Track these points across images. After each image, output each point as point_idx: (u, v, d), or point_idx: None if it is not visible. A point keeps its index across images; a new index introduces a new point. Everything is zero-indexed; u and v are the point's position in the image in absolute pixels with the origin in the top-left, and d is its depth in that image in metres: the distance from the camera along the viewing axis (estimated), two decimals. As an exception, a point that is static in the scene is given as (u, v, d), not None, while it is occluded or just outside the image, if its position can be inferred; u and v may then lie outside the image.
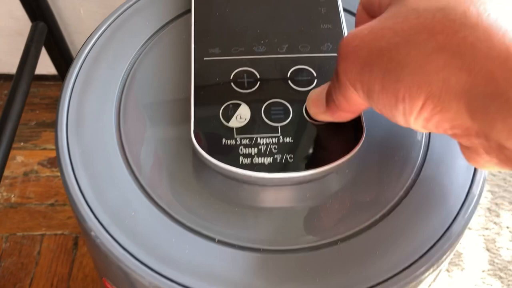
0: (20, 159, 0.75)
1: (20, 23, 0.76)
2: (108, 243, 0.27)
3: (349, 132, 0.29)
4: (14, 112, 0.63)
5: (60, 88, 0.32)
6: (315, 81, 0.30)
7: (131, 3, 0.36)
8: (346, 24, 0.33)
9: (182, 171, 0.29)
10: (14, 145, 0.76)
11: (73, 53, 0.78)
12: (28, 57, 0.64)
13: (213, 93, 0.30)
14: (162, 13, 0.35)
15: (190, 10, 0.34)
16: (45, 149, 0.77)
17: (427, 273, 0.27)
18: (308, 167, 0.27)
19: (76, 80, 0.32)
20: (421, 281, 0.27)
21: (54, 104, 0.83)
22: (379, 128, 0.30)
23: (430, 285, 0.31)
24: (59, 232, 0.68)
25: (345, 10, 0.35)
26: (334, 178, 0.29)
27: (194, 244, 0.27)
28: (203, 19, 0.33)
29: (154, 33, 0.35)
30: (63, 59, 0.74)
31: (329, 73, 0.31)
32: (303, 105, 0.29)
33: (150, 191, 0.28)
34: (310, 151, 0.28)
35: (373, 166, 0.30)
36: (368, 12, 0.26)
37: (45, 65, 0.82)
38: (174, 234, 0.27)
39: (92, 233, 0.27)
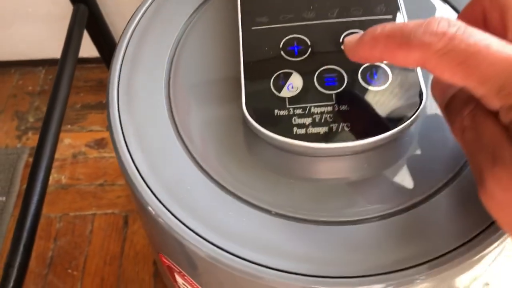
0: (68, 142, 0.77)
1: (60, 8, 0.77)
2: (166, 217, 0.26)
3: (408, 97, 0.27)
4: (61, 96, 0.64)
5: (109, 68, 0.32)
6: (369, 45, 0.29)
7: (174, -25, 0.35)
8: (399, -16, 0.31)
9: (235, 144, 0.29)
10: (61, 128, 0.78)
11: (114, 35, 0.79)
12: (71, 41, 0.64)
13: (263, 63, 0.29)
14: (206, -16, 0.35)
15: (234, -20, 0.33)
16: (91, 131, 0.78)
17: (496, 244, 0.26)
18: (366, 135, 0.26)
19: (124, 59, 0.32)
20: (489, 252, 0.26)
21: (97, 87, 0.84)
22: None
23: (494, 259, 0.30)
24: (109, 211, 0.69)
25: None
26: (393, 146, 0.28)
27: (250, 216, 0.27)
28: (249, -13, 0.32)
29: (199, 6, 0.34)
30: (105, 41, 0.75)
31: (384, 37, 0.29)
32: (358, 71, 0.28)
33: (204, 165, 0.28)
34: (367, 118, 0.27)
35: (435, 132, 0.28)
36: (476, 23, 0.23)
37: (86, 48, 0.83)
38: (230, 207, 0.27)
39: (149, 208, 0.27)
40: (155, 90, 0.31)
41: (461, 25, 0.20)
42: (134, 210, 0.68)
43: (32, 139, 0.78)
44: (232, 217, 0.26)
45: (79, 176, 0.73)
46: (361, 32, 0.24)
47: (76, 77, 0.84)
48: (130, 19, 0.34)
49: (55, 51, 0.75)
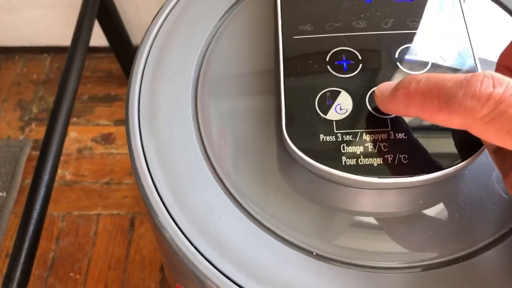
0: (74, 135, 0.73)
1: (70, -6, 0.73)
2: (192, 256, 0.23)
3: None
4: (70, 89, 0.60)
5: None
6: (429, 63, 0.25)
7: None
8: (462, -7, 0.27)
9: (272, 172, 0.25)
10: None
11: (126, 24, 0.74)
12: (82, 30, 0.60)
13: (306, 78, 0.25)
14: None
15: (272, -22, 0.29)
16: (98, 124, 0.74)
17: None
18: (426, 170, 0.23)
19: (147, 64, 0.28)
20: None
21: (106, 78, 0.80)
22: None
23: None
24: (115, 212, 0.66)
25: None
26: (453, 182, 0.25)
27: (289, 257, 0.23)
28: (291, -11, 0.28)
29: (230, 7, 0.30)
30: (116, 31, 0.71)
31: (445, 54, 0.26)
32: (416, 93, 0.24)
33: (236, 194, 0.25)
34: (428, 149, 0.23)
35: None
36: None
37: (95, 37, 0.79)
38: (266, 245, 0.23)
39: (174, 244, 0.23)
40: (181, 102, 0.27)
41: (509, 83, 0.17)
42: (141, 212, 0.65)
43: (36, 131, 0.74)
44: (268, 258, 0.23)
45: (85, 172, 0.70)
46: (393, 82, 0.21)
47: (84, 67, 0.80)
48: (154, 16, 0.30)
49: (62, 38, 0.71)
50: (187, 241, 0.23)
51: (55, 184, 0.68)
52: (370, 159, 0.23)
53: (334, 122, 0.24)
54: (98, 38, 0.78)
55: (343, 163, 0.23)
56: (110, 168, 0.70)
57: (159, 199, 0.24)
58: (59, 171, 0.70)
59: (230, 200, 0.24)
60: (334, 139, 0.24)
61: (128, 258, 0.62)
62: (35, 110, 0.77)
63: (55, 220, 0.66)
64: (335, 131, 0.24)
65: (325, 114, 0.24)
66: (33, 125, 0.76)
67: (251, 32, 0.29)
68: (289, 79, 0.25)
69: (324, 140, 0.24)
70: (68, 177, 0.70)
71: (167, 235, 0.24)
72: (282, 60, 0.26)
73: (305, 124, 0.24)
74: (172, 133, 0.26)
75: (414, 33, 0.26)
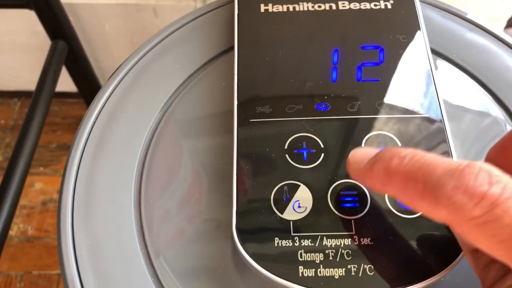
0: (39, 186, 0.69)
1: (41, 39, 0.70)
2: None
3: (448, 236, 0.21)
4: (31, 134, 0.57)
5: (69, 151, 0.25)
6: (399, 154, 0.23)
7: (157, 40, 0.29)
8: (435, 74, 0.25)
9: (223, 280, 0.22)
10: (33, 170, 0.71)
11: (97, 72, 0.72)
12: (47, 78, 0.58)
13: (262, 169, 0.23)
14: (199, 52, 0.28)
15: (233, 48, 0.27)
16: (65, 175, 0.71)
17: None
18: (393, 284, 0.20)
19: (87, 144, 0.25)
20: None
21: (76, 124, 0.77)
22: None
23: None
24: (77, 272, 0.62)
25: (433, 51, 0.27)
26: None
27: None
28: (249, 65, 0.25)
29: (186, 79, 0.27)
30: (86, 78, 0.68)
31: (418, 143, 0.23)
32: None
33: (178, 307, 0.21)
34: (397, 259, 0.20)
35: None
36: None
37: (67, 82, 0.76)
38: None
39: None
40: (122, 191, 0.24)
41: (508, 183, 0.14)
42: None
43: (0, 180, 0.70)
44: None
45: (48, 227, 0.66)
46: (371, 150, 0.18)
47: (54, 112, 0.78)
48: (102, 88, 0.27)
49: (32, 83, 0.68)
50: None
51: (16, 240, 0.64)
52: (331, 269, 0.20)
53: (291, 222, 0.21)
54: (70, 83, 0.76)
55: (300, 274, 0.20)
56: (75, 223, 0.66)
57: (87, 310, 0.21)
58: (21, 225, 0.66)
59: (171, 314, 0.21)
60: (291, 244, 0.21)
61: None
62: (0, 158, 0.74)
63: (12, 280, 0.62)
64: (292, 234, 0.21)
65: (282, 213, 0.21)
66: (-3, 174, 0.72)
67: (207, 110, 0.26)
68: (242, 169, 0.22)
69: (280, 244, 0.21)
70: (30, 232, 0.66)
71: None
72: (236, 147, 0.23)
73: (258, 225, 0.21)
74: (109, 227, 0.23)
75: (383, 118, 0.24)
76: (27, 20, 0.66)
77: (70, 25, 0.60)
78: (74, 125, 0.76)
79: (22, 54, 0.74)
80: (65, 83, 0.76)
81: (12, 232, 0.65)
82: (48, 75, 0.58)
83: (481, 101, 0.26)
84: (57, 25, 0.58)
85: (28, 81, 0.78)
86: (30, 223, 0.66)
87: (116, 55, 0.71)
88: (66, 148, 0.74)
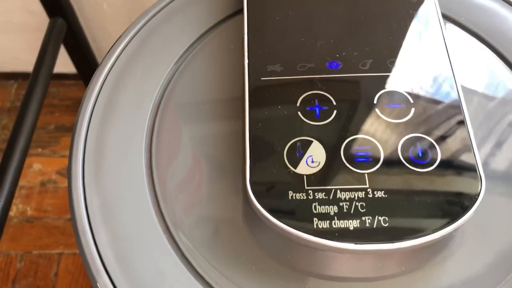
0: (38, 167, 0.69)
1: (38, 18, 0.69)
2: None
3: (462, 184, 0.21)
4: (30, 116, 0.57)
5: (77, 113, 0.25)
6: (412, 109, 0.23)
7: (164, 3, 0.28)
8: (446, 35, 0.25)
9: (236, 233, 0.22)
10: (31, 151, 0.70)
11: (95, 51, 0.71)
12: (45, 57, 0.57)
13: (274, 126, 0.23)
14: (205, 14, 0.28)
15: (241, 11, 0.26)
16: (64, 156, 0.70)
17: None
18: (408, 234, 0.20)
19: (95, 107, 0.25)
20: None
21: (75, 106, 0.76)
22: (504, 178, 0.23)
23: None
24: (78, 251, 0.61)
25: (443, 15, 0.27)
26: (441, 245, 0.22)
27: (251, 337, 0.20)
28: (259, 25, 0.25)
29: (194, 42, 0.27)
30: (84, 58, 0.68)
31: (429, 100, 0.23)
32: (397, 144, 0.22)
33: (192, 261, 0.21)
34: (411, 210, 0.21)
35: (499, 227, 0.22)
36: None
37: (65, 64, 0.75)
38: (225, 323, 0.20)
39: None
40: (132, 151, 0.24)
41: None
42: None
43: (-2, 162, 0.70)
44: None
45: (47, 208, 0.65)
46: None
47: (52, 94, 0.77)
48: (107, 53, 0.27)
49: (30, 64, 0.67)
50: (132, 316, 0.20)
51: (15, 221, 0.64)
52: (345, 221, 0.20)
53: (305, 176, 0.21)
54: (68, 64, 0.75)
55: (315, 226, 0.20)
56: (75, 203, 0.65)
57: (101, 265, 0.21)
58: (20, 206, 0.66)
59: (184, 266, 0.21)
60: (305, 197, 0.21)
61: (90, 303, 0.58)
62: (-3, 140, 0.73)
63: (12, 259, 0.61)
64: (306, 188, 0.21)
65: (295, 168, 0.21)
66: (-6, 156, 0.71)
67: (216, 72, 0.26)
68: (255, 126, 0.22)
69: (294, 198, 0.21)
70: (30, 212, 0.65)
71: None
72: (247, 104, 0.23)
73: (272, 179, 0.21)
74: (120, 186, 0.23)
75: (395, 76, 0.24)
76: (24, -1, 0.65)
77: (69, 1, 0.60)
78: (72, 106, 0.76)
79: (19, 35, 0.73)
80: (63, 64, 0.76)
81: (11, 213, 0.65)
82: (46, 53, 0.58)
83: (491, 62, 0.26)
84: (55, 1, 0.57)
85: (25, 62, 0.77)
86: (29, 204, 0.66)
87: (114, 35, 0.70)
88: (64, 130, 0.74)
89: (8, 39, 0.74)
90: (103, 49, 0.72)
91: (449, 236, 0.21)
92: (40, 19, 0.68)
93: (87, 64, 0.68)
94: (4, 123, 0.75)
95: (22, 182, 0.67)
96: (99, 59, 0.72)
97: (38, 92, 0.58)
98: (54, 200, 0.66)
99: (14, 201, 0.65)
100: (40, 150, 0.71)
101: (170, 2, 0.29)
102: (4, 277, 0.60)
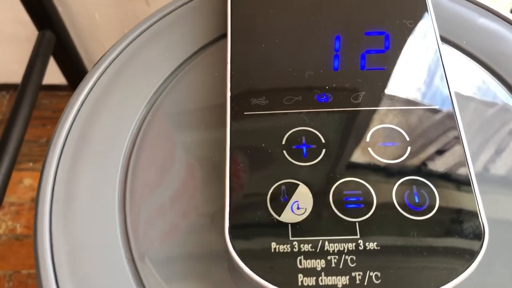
0: (28, 182, 0.67)
1: (29, 29, 0.68)
2: None
3: (462, 234, 0.19)
4: (17, 129, 0.55)
5: (45, 154, 0.23)
6: (408, 148, 0.21)
7: (145, 26, 0.27)
8: (445, 62, 0.23)
9: (216, 284, 0.20)
10: (22, 166, 0.69)
11: (86, 63, 0.70)
12: (34, 70, 0.55)
13: (257, 167, 0.21)
14: (189, 39, 0.26)
15: (225, 36, 0.25)
16: (55, 170, 0.68)
17: None
18: (404, 293, 0.18)
19: (67, 139, 0.23)
20: None
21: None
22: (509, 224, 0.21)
23: None
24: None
25: (441, 38, 0.25)
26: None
27: None
28: (244, 52, 0.23)
29: (179, 67, 0.25)
30: (75, 70, 0.66)
31: (427, 137, 0.21)
32: (392, 189, 0.20)
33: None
34: (406, 265, 0.19)
35: (504, 278, 0.20)
36: None
37: (58, 75, 0.74)
38: None
39: None
40: (105, 190, 0.22)
41: None
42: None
43: (-13, 176, 0.68)
44: None
45: (37, 225, 0.64)
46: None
47: (44, 106, 0.75)
48: (85, 77, 0.25)
49: (22, 75, 0.66)
50: None
51: (4, 238, 0.62)
52: (333, 277, 0.18)
53: (289, 225, 0.19)
54: (60, 75, 0.73)
55: (300, 283, 0.18)
56: (65, 220, 0.64)
57: (65, 324, 0.19)
58: (10, 223, 0.64)
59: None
60: (289, 249, 0.19)
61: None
62: (-13, 153, 0.71)
63: (0, 280, 0.60)
64: (291, 239, 0.19)
65: (279, 215, 0.19)
66: (-16, 170, 0.69)
67: (198, 102, 0.24)
68: (236, 167, 0.20)
69: (277, 250, 0.19)
70: (19, 230, 0.63)
71: None
72: (228, 142, 0.21)
73: (254, 228, 0.19)
74: (90, 229, 0.21)
75: (389, 111, 0.22)
76: (13, 9, 0.64)
77: (58, 14, 0.58)
78: (65, 119, 0.74)
79: (10, 45, 0.72)
80: (55, 75, 0.74)
81: (0, 230, 0.63)
82: (34, 66, 0.56)
83: (494, 90, 0.24)
84: (44, 14, 0.56)
85: (17, 73, 0.75)
86: (19, 221, 0.64)
87: (107, 46, 0.69)
88: (56, 143, 0.72)
89: (-1, 50, 0.73)
90: (95, 60, 0.71)
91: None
92: (31, 30, 0.67)
93: (78, 76, 0.67)
94: (-5, 136, 0.73)
95: (12, 198, 0.65)
96: (91, 71, 0.70)
97: (26, 105, 0.56)
98: (44, 216, 0.64)
99: (3, 218, 0.63)
100: (31, 164, 0.69)
101: (154, 23, 0.27)
102: (-8, 298, 0.58)
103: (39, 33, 0.58)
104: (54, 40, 0.57)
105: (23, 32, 0.69)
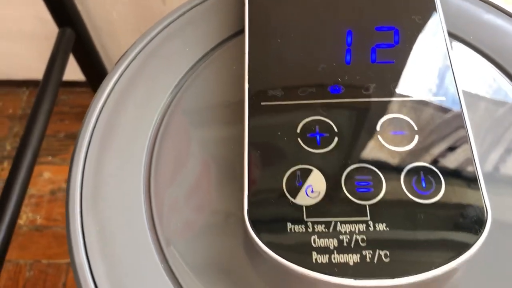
0: (47, 176, 0.69)
1: (49, 27, 0.70)
2: None
3: (466, 217, 0.20)
4: (39, 124, 0.57)
5: (74, 143, 0.25)
6: (416, 137, 0.22)
7: (164, 24, 0.28)
8: (452, 56, 0.24)
9: (235, 265, 0.21)
10: (41, 159, 0.71)
11: (104, 59, 0.72)
12: (54, 67, 0.57)
13: (273, 153, 0.22)
14: (207, 35, 0.28)
15: (243, 31, 0.26)
16: (74, 164, 0.70)
17: None
18: (411, 270, 0.19)
19: (95, 131, 0.25)
20: None
21: (85, 114, 0.76)
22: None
23: None
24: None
25: (449, 33, 0.26)
26: (446, 280, 0.21)
27: None
28: (261, 47, 0.25)
29: (198, 61, 0.27)
30: (93, 67, 0.68)
31: (434, 127, 0.22)
32: (400, 174, 0.21)
33: (188, 293, 0.21)
34: (412, 245, 0.20)
35: (503, 265, 0.21)
36: None
37: (75, 71, 0.76)
38: None
39: None
40: (130, 176, 0.23)
41: None
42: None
43: (8, 170, 0.70)
44: None
45: (57, 216, 0.66)
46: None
47: (62, 101, 0.77)
48: (107, 75, 0.27)
49: (41, 72, 0.68)
50: None
51: (25, 229, 0.64)
52: (345, 255, 0.20)
53: (304, 207, 0.21)
54: (78, 72, 0.75)
55: (314, 261, 0.19)
56: (84, 212, 0.66)
57: (96, 296, 0.21)
58: (30, 214, 0.66)
59: (180, 299, 0.21)
60: (304, 230, 0.20)
61: (98, 313, 0.58)
62: (8, 147, 0.73)
63: (21, 268, 0.62)
64: (305, 220, 0.20)
65: (294, 198, 0.21)
66: (5, 163, 0.72)
67: (217, 94, 0.26)
68: (254, 153, 0.22)
69: (292, 230, 0.20)
70: (39, 221, 0.66)
71: None
72: (247, 130, 0.22)
73: (270, 209, 0.21)
74: (117, 212, 0.22)
75: (398, 101, 0.23)
76: (34, 7, 0.66)
77: (78, 12, 0.60)
78: (82, 114, 0.76)
79: (30, 43, 0.74)
80: (73, 72, 0.76)
81: (21, 221, 0.65)
82: (55, 63, 0.58)
83: (500, 84, 0.26)
84: (64, 12, 0.58)
85: (36, 70, 0.77)
86: (39, 212, 0.66)
87: (124, 43, 0.71)
88: (75, 137, 0.73)
89: (19, 47, 0.75)
90: (112, 56, 0.73)
91: (454, 271, 0.20)
92: (52, 28, 0.69)
93: (96, 73, 0.69)
94: (16, 131, 0.75)
95: (32, 190, 0.67)
96: (108, 67, 0.72)
97: (47, 101, 0.58)
98: (63, 209, 0.66)
99: (24, 209, 0.65)
100: (50, 158, 0.71)
101: (173, 21, 0.28)
102: (14, 286, 0.60)
103: (60, 30, 0.60)
104: (74, 37, 0.59)
105: (43, 29, 0.71)
